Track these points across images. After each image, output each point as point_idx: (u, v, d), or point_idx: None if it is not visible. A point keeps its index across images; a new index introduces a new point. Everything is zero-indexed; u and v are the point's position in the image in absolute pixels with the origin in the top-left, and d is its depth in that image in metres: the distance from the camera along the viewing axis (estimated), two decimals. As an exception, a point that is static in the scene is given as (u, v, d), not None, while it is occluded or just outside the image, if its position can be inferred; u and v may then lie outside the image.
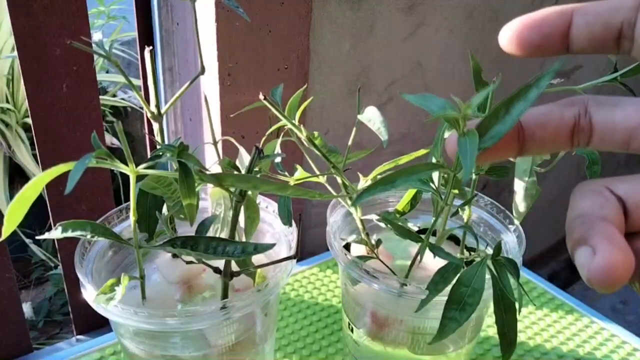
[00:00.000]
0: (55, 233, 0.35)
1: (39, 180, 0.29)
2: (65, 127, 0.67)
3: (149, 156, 0.36)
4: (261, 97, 0.37)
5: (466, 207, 0.45)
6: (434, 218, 0.41)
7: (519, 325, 0.70)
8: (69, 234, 0.35)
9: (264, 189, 0.35)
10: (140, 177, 0.36)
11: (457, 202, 0.52)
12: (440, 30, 0.90)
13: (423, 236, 0.41)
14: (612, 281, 0.19)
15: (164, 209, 0.42)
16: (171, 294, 0.44)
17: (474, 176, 0.42)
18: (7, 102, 1.30)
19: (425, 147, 0.45)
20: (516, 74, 1.08)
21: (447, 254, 0.40)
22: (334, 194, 0.46)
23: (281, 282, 0.42)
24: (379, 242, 0.48)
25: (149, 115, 0.42)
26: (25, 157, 1.24)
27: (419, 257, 0.43)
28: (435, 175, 0.42)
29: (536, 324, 0.69)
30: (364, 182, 0.45)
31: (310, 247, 0.89)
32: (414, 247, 0.44)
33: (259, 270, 0.42)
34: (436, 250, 0.41)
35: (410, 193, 0.46)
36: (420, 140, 0.97)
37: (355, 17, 0.79)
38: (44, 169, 0.68)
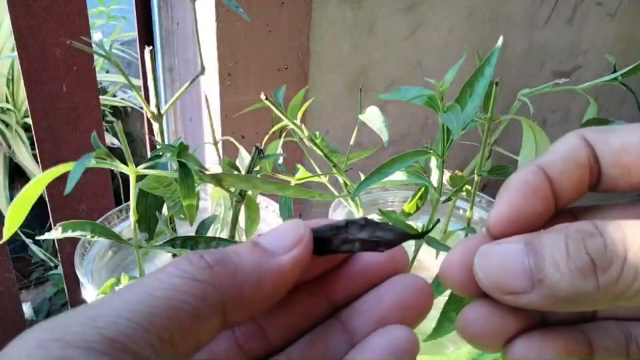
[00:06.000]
0: (55, 233, 0.35)
1: (39, 181, 0.29)
2: (65, 127, 0.67)
3: (149, 156, 0.36)
4: (263, 97, 0.37)
5: (468, 208, 0.45)
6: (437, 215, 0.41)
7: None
8: (69, 234, 0.35)
9: (264, 189, 0.35)
10: (140, 177, 0.36)
11: (460, 202, 0.52)
12: (440, 30, 0.90)
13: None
14: None
15: (164, 209, 0.42)
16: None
17: (476, 177, 0.42)
18: (7, 102, 1.29)
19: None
20: (516, 73, 1.08)
21: (441, 244, 0.40)
22: (336, 194, 0.46)
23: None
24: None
25: (149, 115, 0.42)
26: (25, 157, 1.24)
27: (417, 254, 0.43)
28: (435, 176, 0.42)
29: (536, 324, 0.69)
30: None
31: (310, 247, 0.89)
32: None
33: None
34: (431, 242, 0.41)
35: (417, 193, 0.47)
36: (420, 141, 0.97)
37: (355, 17, 0.79)
38: (44, 169, 0.68)
